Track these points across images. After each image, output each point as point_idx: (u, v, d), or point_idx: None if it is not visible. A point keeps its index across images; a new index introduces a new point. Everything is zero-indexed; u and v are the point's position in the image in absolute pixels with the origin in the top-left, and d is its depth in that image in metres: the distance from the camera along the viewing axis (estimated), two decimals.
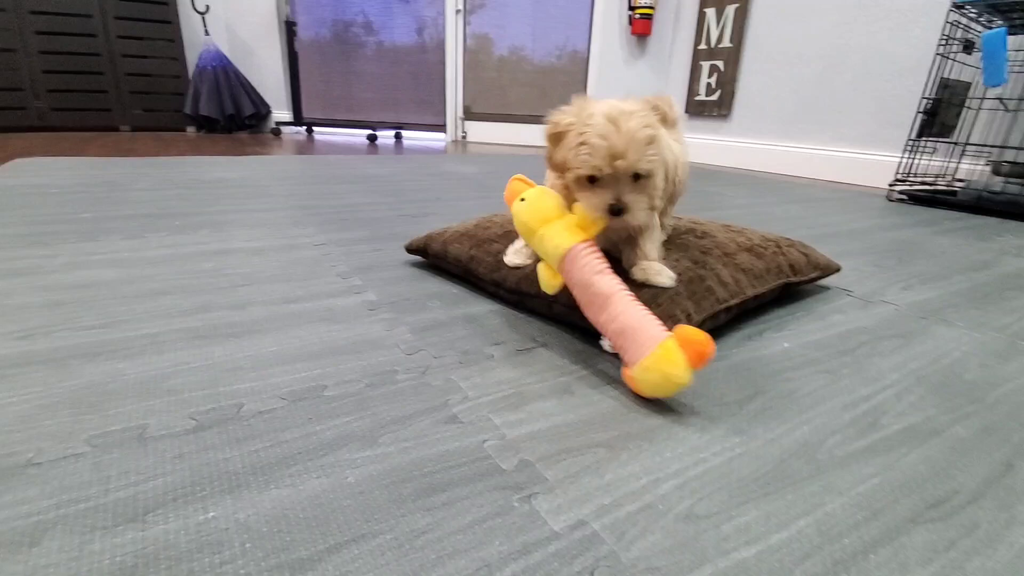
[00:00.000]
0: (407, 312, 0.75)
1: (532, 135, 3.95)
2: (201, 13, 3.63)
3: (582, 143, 0.58)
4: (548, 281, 0.65)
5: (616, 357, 0.61)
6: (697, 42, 3.29)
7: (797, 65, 2.81)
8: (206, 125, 3.74)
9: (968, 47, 1.96)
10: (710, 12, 3.17)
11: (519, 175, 0.70)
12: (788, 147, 2.91)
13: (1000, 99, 1.90)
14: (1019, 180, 1.91)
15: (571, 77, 3.80)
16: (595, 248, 0.62)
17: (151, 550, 0.35)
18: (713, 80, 3.24)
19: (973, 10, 1.86)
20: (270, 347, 0.63)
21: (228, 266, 0.91)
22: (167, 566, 0.34)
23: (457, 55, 3.92)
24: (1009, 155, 1.99)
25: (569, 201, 0.65)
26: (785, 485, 0.44)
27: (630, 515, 0.40)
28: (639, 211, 0.61)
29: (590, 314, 0.61)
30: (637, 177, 0.60)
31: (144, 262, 0.91)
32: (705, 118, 3.37)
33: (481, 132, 4.09)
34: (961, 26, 1.91)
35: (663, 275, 0.68)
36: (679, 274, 0.69)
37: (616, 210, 0.60)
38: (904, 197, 2.06)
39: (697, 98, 3.36)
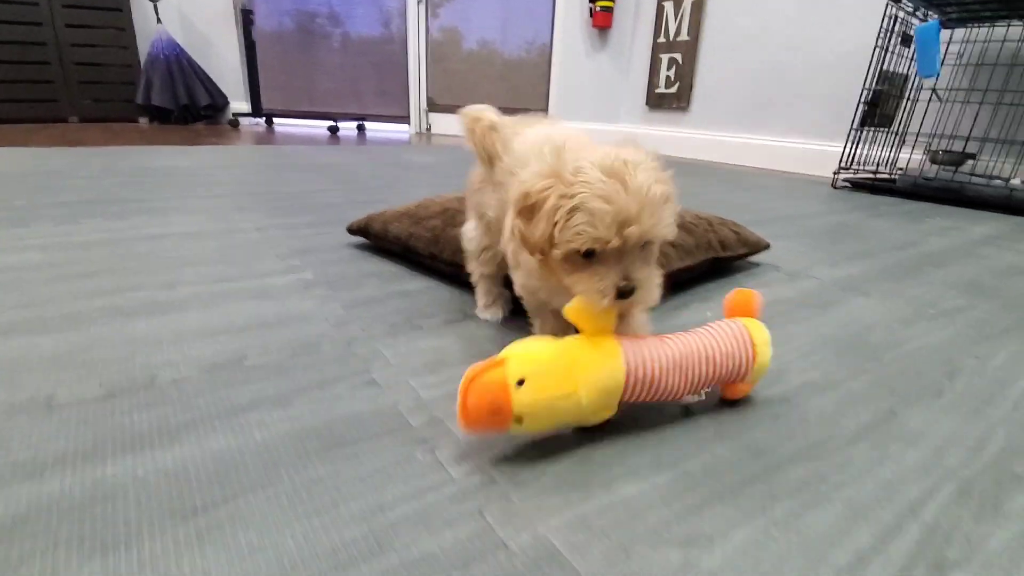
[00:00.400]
0: (342, 289, 0.76)
1: None
2: (153, 1, 3.52)
3: (575, 208, 0.42)
4: (599, 419, 0.45)
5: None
6: (656, 35, 3.34)
7: (751, 58, 2.88)
8: (159, 116, 3.62)
9: (906, 40, 2.05)
10: (668, 5, 3.23)
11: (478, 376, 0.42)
12: (743, 138, 2.99)
13: (933, 90, 2.00)
14: (953, 168, 2.01)
15: (536, 70, 3.82)
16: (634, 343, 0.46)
17: (45, 502, 0.35)
18: (672, 73, 3.31)
19: (909, 4, 1.94)
20: (194, 323, 0.63)
21: (163, 249, 0.89)
22: (58, 516, 0.34)
23: (420, 47, 3.90)
24: (944, 144, 2.08)
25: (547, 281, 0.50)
26: (679, 433, 0.46)
27: (527, 461, 0.42)
28: (653, 289, 0.45)
29: (681, 389, 0.46)
30: (643, 245, 0.44)
31: (75, 247, 0.89)
32: (665, 110, 3.43)
33: (446, 124, 4.07)
34: (899, 20, 1.99)
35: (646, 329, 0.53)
36: None
37: (626, 292, 0.43)
38: (848, 185, 2.15)
39: (657, 91, 3.42)
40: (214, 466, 0.39)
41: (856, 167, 2.13)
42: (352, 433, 0.44)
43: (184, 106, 3.62)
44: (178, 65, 3.59)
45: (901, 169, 2.15)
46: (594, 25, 3.48)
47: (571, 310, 0.45)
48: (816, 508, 0.38)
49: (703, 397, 0.49)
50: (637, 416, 0.48)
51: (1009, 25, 1.90)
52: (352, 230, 0.95)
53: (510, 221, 0.50)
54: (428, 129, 4.09)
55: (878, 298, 0.83)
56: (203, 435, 0.43)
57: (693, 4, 3.08)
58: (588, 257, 0.44)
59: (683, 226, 0.84)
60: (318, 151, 2.50)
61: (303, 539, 0.33)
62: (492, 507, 0.37)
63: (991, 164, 1.98)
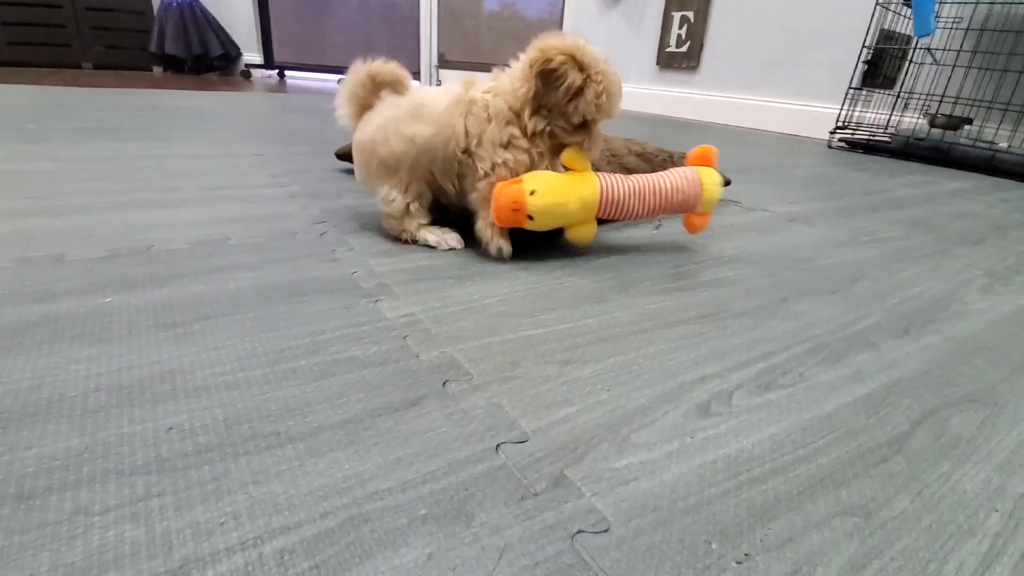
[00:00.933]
0: (323, 199, 0.84)
1: None
2: None
3: (602, 92, 0.59)
4: (587, 234, 0.65)
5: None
6: None
7: (760, 18, 2.84)
8: (172, 65, 3.68)
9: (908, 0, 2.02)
10: None
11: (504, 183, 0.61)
12: (751, 100, 2.97)
13: (928, 50, 1.98)
14: (952, 131, 2.01)
15: (548, 28, 3.78)
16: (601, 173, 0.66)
17: (54, 314, 0.44)
18: (683, 31, 3.26)
19: None
20: (188, 216, 0.71)
21: (165, 165, 0.98)
22: (61, 327, 0.43)
23: (432, 2, 3.87)
24: (945, 108, 2.08)
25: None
26: (591, 302, 0.54)
27: (452, 312, 0.50)
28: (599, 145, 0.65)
29: (646, 209, 0.66)
30: None
31: (84, 160, 0.98)
32: (675, 70, 3.40)
33: (457, 80, 4.07)
34: None
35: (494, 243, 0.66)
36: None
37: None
38: (843, 144, 2.16)
39: (668, 49, 3.39)
40: (194, 302, 0.48)
41: (855, 127, 2.13)
42: (310, 288, 0.52)
43: (197, 56, 3.67)
44: (191, 14, 3.62)
45: (896, 131, 2.15)
46: None
47: (567, 156, 0.63)
48: (683, 351, 0.46)
49: (659, 224, 0.66)
50: (555, 290, 0.56)
51: None
52: (339, 155, 1.02)
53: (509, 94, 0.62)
54: (439, 84, 4.09)
55: (821, 228, 0.89)
56: (186, 283, 0.51)
57: None
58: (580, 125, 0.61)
59: (642, 155, 0.91)
60: (325, 99, 2.56)
61: (257, 344, 0.42)
62: (413, 336, 0.45)
63: (986, 130, 1.98)
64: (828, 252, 0.77)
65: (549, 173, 0.62)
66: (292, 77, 4.11)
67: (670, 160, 0.94)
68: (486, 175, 0.61)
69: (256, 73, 4.03)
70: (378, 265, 0.60)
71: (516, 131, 0.61)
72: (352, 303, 0.50)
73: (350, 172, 1.03)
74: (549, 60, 0.57)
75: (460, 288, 0.55)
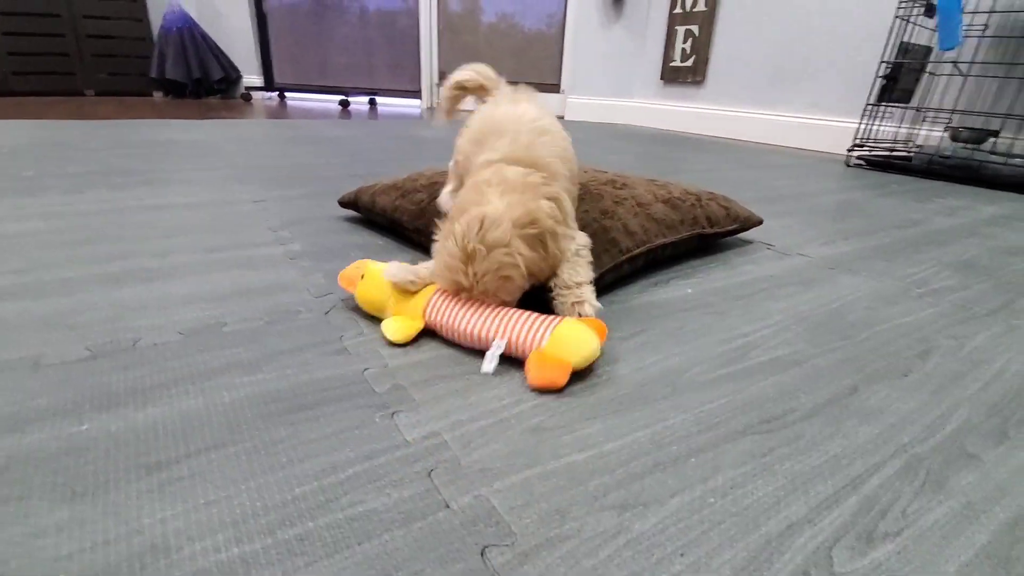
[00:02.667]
0: (327, 261, 0.77)
1: None
2: None
3: (440, 258, 0.55)
4: (404, 331, 0.56)
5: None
6: (672, 6, 3.24)
7: (768, 30, 2.79)
8: (173, 90, 3.65)
9: (930, 10, 1.96)
10: None
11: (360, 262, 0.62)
12: (759, 114, 2.91)
13: (955, 63, 1.92)
14: (976, 147, 1.94)
15: (552, 44, 3.74)
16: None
17: (23, 454, 0.38)
18: (688, 45, 3.21)
19: None
20: (180, 290, 0.65)
21: (160, 219, 0.92)
22: (34, 466, 0.36)
23: (432, 19, 3.84)
24: (968, 121, 2.01)
25: None
26: (637, 405, 0.47)
27: (481, 428, 0.43)
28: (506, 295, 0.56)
29: (475, 337, 0.54)
30: None
31: (76, 215, 0.92)
32: (679, 85, 3.35)
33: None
34: None
35: (586, 305, 0.57)
36: (585, 227, 0.71)
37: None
38: (861, 163, 2.09)
39: (672, 64, 3.33)
40: (181, 424, 0.41)
41: (872, 144, 2.07)
42: (315, 398, 0.46)
43: (197, 80, 3.65)
44: (191, 38, 3.60)
45: (919, 147, 2.08)
46: None
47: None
48: (757, 479, 0.39)
49: (492, 364, 0.50)
50: (594, 386, 0.49)
51: None
52: (343, 203, 0.96)
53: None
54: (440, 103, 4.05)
55: (865, 276, 0.82)
56: (174, 396, 0.45)
57: None
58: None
59: (669, 201, 0.84)
60: (327, 125, 2.51)
61: (256, 493, 0.35)
62: (440, 470, 0.38)
63: (1014, 143, 1.91)
64: (883, 312, 0.70)
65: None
66: (293, 98, 4.08)
67: (698, 203, 0.87)
68: None
69: (257, 96, 4.00)
70: (392, 356, 0.53)
71: None
72: (366, 419, 0.43)
73: (354, 221, 0.97)
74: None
75: (487, 389, 0.48)
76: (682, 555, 0.32)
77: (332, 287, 0.68)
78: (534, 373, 0.48)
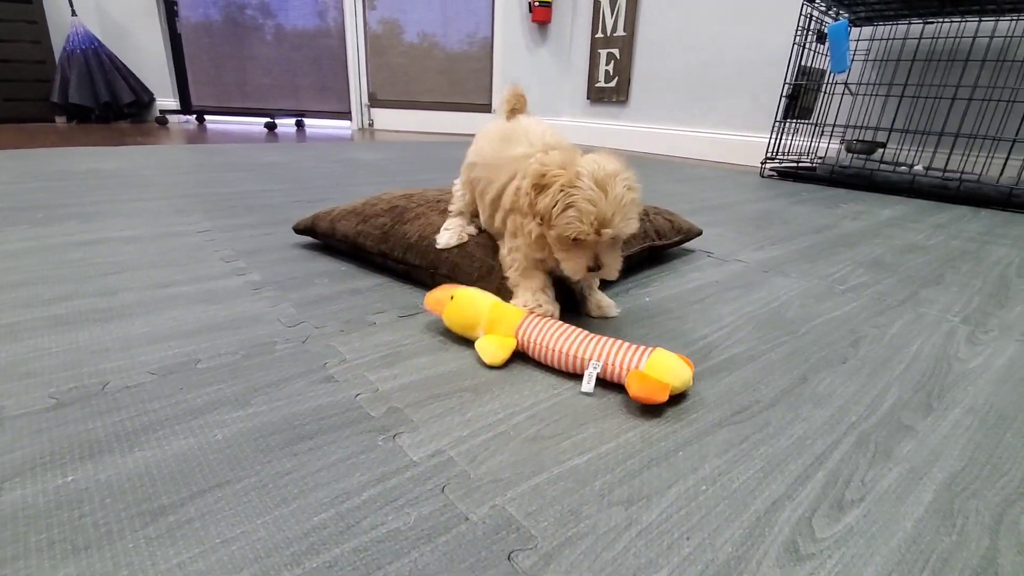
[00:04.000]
0: (292, 290, 0.76)
1: (441, 122, 3.94)
2: None
3: (569, 205, 0.57)
4: (496, 353, 0.57)
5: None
6: (594, 31, 3.42)
7: (684, 53, 3.01)
8: (78, 115, 3.39)
9: (822, 37, 2.20)
10: (604, 1, 3.31)
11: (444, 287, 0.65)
12: (680, 131, 3.12)
13: (845, 84, 2.16)
14: (867, 157, 2.19)
15: (478, 64, 3.82)
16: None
17: (8, 512, 0.35)
18: (611, 67, 3.40)
19: (822, 3, 2.09)
20: (140, 329, 0.62)
21: (98, 255, 0.86)
22: (25, 523, 0.34)
23: (359, 39, 3.82)
24: (859, 135, 2.26)
25: (540, 245, 0.64)
26: (621, 409, 0.51)
27: (484, 442, 0.45)
28: (615, 268, 0.62)
29: (570, 359, 0.55)
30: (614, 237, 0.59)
31: (2, 256, 0.84)
32: (605, 104, 3.52)
33: (389, 119, 4.02)
34: (814, 18, 2.14)
35: (613, 309, 0.71)
36: None
37: (595, 269, 0.60)
38: (774, 174, 2.29)
39: (597, 85, 3.51)
40: (177, 466, 0.40)
41: (781, 157, 2.28)
42: (313, 427, 0.46)
43: (106, 104, 3.41)
44: (97, 60, 3.36)
45: (821, 158, 2.31)
46: (533, 20, 3.52)
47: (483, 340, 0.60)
48: (739, 465, 0.43)
49: (590, 385, 0.53)
50: (578, 396, 0.52)
51: (910, 23, 2.08)
52: (298, 229, 0.95)
53: (512, 196, 0.66)
54: (371, 124, 4.02)
55: (795, 277, 0.91)
56: (163, 438, 0.43)
57: (628, 0, 3.17)
58: (574, 240, 0.59)
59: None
60: (256, 149, 2.43)
61: (274, 527, 0.35)
62: (452, 485, 0.40)
63: (898, 152, 2.17)
64: (815, 308, 0.78)
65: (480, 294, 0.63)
66: (212, 122, 3.90)
67: (646, 218, 0.93)
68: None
69: (173, 119, 3.79)
70: (381, 381, 0.53)
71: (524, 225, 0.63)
72: (369, 444, 0.44)
73: (311, 248, 0.95)
74: (543, 175, 0.60)
75: (480, 404, 0.50)
76: (688, 539, 0.36)
77: (303, 316, 0.67)
78: (637, 387, 0.50)
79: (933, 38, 2.05)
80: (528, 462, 0.42)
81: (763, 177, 2.25)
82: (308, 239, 0.99)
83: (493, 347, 0.57)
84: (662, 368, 0.51)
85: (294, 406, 0.48)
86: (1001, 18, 1.89)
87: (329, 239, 0.90)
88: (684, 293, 0.81)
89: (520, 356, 0.59)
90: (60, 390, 0.49)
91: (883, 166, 2.01)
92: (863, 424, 0.50)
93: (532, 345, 0.57)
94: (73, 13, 3.32)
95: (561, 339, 0.56)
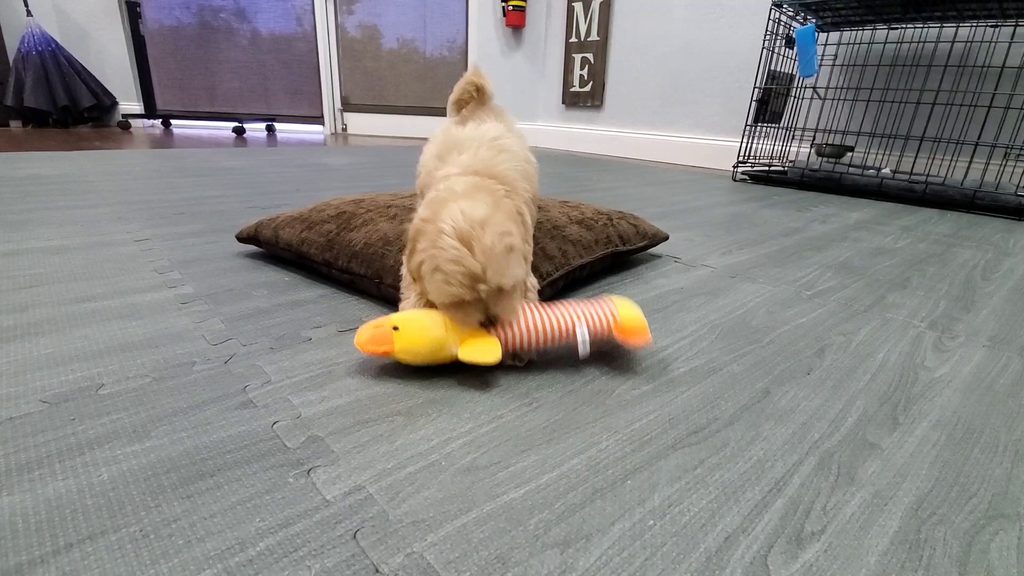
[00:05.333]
0: (225, 303, 0.70)
1: (417, 127, 3.89)
2: None
3: (436, 268, 0.50)
4: (494, 349, 0.52)
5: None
6: (568, 35, 3.41)
7: (657, 58, 3.01)
8: (34, 119, 3.26)
9: (790, 42, 2.21)
10: (578, 6, 3.30)
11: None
12: (653, 135, 3.12)
13: (814, 88, 2.17)
14: (837, 160, 2.20)
15: (455, 68, 3.78)
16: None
17: None
18: (585, 72, 3.39)
19: (790, 9, 2.10)
20: (44, 349, 0.56)
21: (16, 267, 0.79)
22: None
23: (331, 44, 3.75)
24: (828, 139, 2.28)
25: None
26: (570, 431, 0.46)
27: (410, 475, 0.40)
28: (511, 314, 0.53)
29: (559, 332, 0.55)
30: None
31: None
32: (580, 108, 3.51)
33: (363, 124, 3.95)
34: (782, 23, 2.15)
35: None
36: None
37: (488, 323, 0.53)
38: (746, 177, 2.29)
39: (572, 89, 3.50)
40: (47, 514, 0.35)
41: (752, 160, 2.28)
42: (217, 462, 0.40)
43: (64, 107, 3.28)
44: (54, 62, 3.24)
45: (792, 161, 2.32)
46: (508, 24, 3.50)
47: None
48: (691, 494, 0.39)
49: (586, 347, 0.55)
50: (525, 415, 0.48)
51: (876, 29, 2.10)
52: (241, 238, 0.89)
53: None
54: (344, 129, 3.95)
55: (763, 283, 0.89)
56: (37, 479, 0.38)
57: (601, 5, 3.17)
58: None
59: (582, 222, 0.86)
60: (220, 154, 2.34)
61: None
62: (366, 529, 0.35)
63: (867, 156, 2.18)
64: (781, 315, 0.75)
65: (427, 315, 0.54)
66: (179, 126, 3.79)
67: (610, 223, 0.90)
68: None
69: (137, 123, 3.67)
70: (305, 404, 0.48)
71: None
72: (278, 481, 0.39)
73: (256, 257, 0.89)
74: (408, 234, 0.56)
75: (412, 430, 0.45)
76: None
77: (232, 332, 0.62)
78: (637, 336, 0.56)
79: (898, 43, 2.08)
80: (457, 498, 0.38)
81: (735, 181, 2.25)
82: (253, 248, 0.93)
83: (486, 345, 0.52)
84: (633, 314, 0.56)
85: (199, 437, 0.43)
86: (961, 24, 1.92)
87: (272, 247, 0.84)
88: (647, 301, 0.78)
89: (461, 371, 0.55)
90: None
91: (852, 169, 2.01)
92: (826, 443, 0.46)
93: (513, 335, 0.54)
94: (28, 13, 3.19)
95: (537, 321, 0.54)
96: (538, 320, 0.55)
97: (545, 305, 0.57)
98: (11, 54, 3.18)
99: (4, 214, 1.10)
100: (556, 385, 0.54)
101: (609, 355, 0.60)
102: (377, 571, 0.32)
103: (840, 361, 0.62)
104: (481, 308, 0.52)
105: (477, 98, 0.73)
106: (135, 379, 0.51)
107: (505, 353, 0.54)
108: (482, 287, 0.49)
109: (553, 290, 0.74)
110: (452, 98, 0.72)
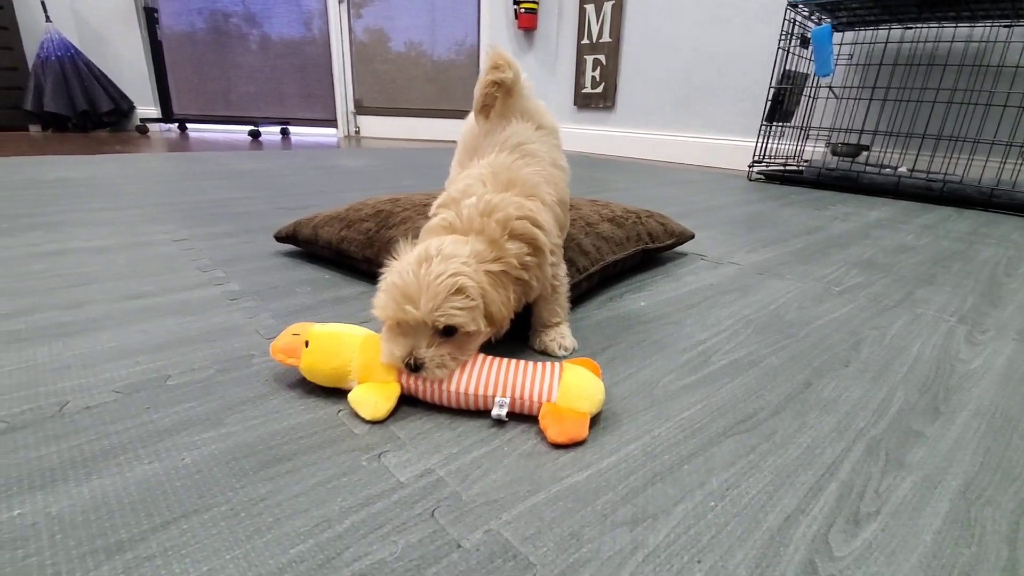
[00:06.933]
0: (272, 299, 0.72)
1: (429, 129, 3.92)
2: None
3: (386, 281, 0.49)
4: (378, 405, 0.47)
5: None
6: (580, 36, 3.43)
7: (669, 59, 3.02)
8: (55, 123, 3.31)
9: (805, 42, 2.22)
10: (590, 8, 3.32)
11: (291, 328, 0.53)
12: (666, 135, 3.13)
13: (830, 88, 2.18)
14: (852, 159, 2.20)
15: (466, 71, 3.81)
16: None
17: None
18: (597, 73, 3.40)
19: (805, 9, 2.11)
20: (106, 343, 0.58)
21: (63, 267, 0.82)
22: None
23: (344, 47, 3.79)
24: (844, 138, 2.28)
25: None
26: (622, 419, 0.48)
27: (475, 459, 0.42)
28: (437, 370, 0.47)
29: (470, 399, 0.48)
30: (448, 331, 0.48)
31: None
32: (592, 110, 3.53)
33: (375, 127, 3.98)
34: (797, 23, 2.15)
35: (557, 349, 0.59)
36: None
37: (411, 367, 0.47)
38: (761, 177, 2.30)
39: (584, 91, 3.51)
40: (139, 495, 0.37)
41: (768, 160, 2.28)
42: (291, 447, 0.42)
43: (83, 112, 3.33)
44: (73, 67, 3.29)
45: (807, 161, 2.33)
46: (520, 27, 3.52)
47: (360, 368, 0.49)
48: (748, 478, 0.41)
49: (502, 413, 0.46)
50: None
51: (891, 28, 2.10)
52: (280, 237, 0.91)
53: None
54: (357, 132, 3.98)
55: (790, 279, 0.90)
56: (124, 463, 0.40)
57: (613, 6, 3.19)
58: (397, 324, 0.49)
59: (613, 219, 0.87)
60: (238, 157, 2.38)
61: (246, 562, 0.32)
62: (443, 508, 0.37)
63: (882, 155, 2.19)
64: (813, 311, 0.76)
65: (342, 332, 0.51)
66: (195, 130, 3.84)
67: (639, 221, 0.91)
68: None
69: (154, 128, 3.72)
70: None
71: None
72: (352, 464, 0.40)
73: (293, 256, 0.92)
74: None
75: (470, 417, 0.47)
76: (699, 562, 0.33)
77: (283, 327, 0.64)
78: (555, 430, 0.44)
79: (913, 43, 2.08)
80: (524, 480, 0.40)
81: (750, 180, 2.26)
82: (290, 247, 0.95)
83: (373, 397, 0.47)
84: (576, 392, 0.46)
85: (271, 424, 0.45)
86: (976, 24, 1.92)
87: (312, 246, 0.86)
88: (680, 297, 0.79)
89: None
90: (11, 412, 0.45)
91: (868, 168, 2.02)
92: (872, 430, 0.48)
93: (421, 387, 0.48)
94: (47, 19, 3.25)
95: (456, 375, 0.48)
96: (460, 378, 0.48)
97: (484, 360, 0.50)
98: (30, 59, 3.24)
99: (41, 215, 1.13)
100: (604, 377, 0.55)
101: (648, 349, 0.62)
102: (459, 546, 0.33)
103: (876, 354, 0.63)
104: (411, 346, 0.47)
105: (502, 97, 0.66)
106: (199, 371, 0.53)
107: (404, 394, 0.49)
108: (411, 311, 0.46)
109: (589, 284, 0.76)
110: (475, 105, 0.65)
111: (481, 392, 0.47)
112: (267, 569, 0.31)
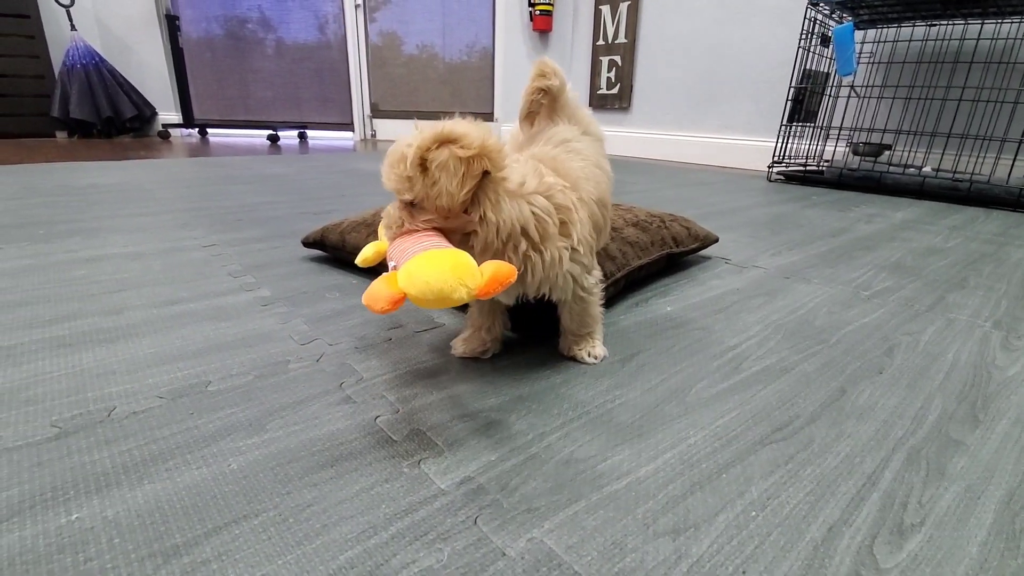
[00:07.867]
0: (303, 305, 0.74)
1: None
2: (65, 6, 3.28)
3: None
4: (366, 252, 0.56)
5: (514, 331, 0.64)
6: (595, 38, 3.42)
7: (686, 59, 3.00)
8: (79, 130, 3.39)
9: (825, 41, 2.19)
10: (605, 9, 3.31)
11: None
12: (683, 136, 3.11)
13: (851, 87, 2.15)
14: (873, 158, 2.17)
15: (479, 73, 3.83)
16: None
17: (5, 557, 0.33)
18: (612, 74, 3.39)
19: (826, 7, 2.08)
20: (147, 349, 0.59)
21: (101, 273, 0.84)
22: (24, 570, 0.32)
23: (360, 52, 3.82)
24: (866, 137, 2.25)
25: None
26: (656, 426, 0.48)
27: (514, 467, 0.42)
28: (386, 231, 0.51)
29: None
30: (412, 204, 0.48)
31: (1, 274, 0.82)
32: (607, 111, 3.52)
33: (391, 130, 4.01)
34: (818, 22, 2.13)
35: (587, 357, 0.59)
36: None
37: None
38: (781, 177, 2.27)
39: (599, 92, 3.50)
40: (191, 500, 0.38)
41: (788, 160, 2.26)
42: (333, 453, 0.43)
43: (107, 118, 3.41)
44: (98, 75, 3.37)
45: (828, 161, 2.30)
46: (534, 28, 3.53)
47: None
48: (788, 487, 0.41)
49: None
50: (610, 411, 0.50)
51: (914, 26, 2.07)
52: (307, 243, 0.92)
53: None
54: (373, 135, 4.02)
55: (818, 283, 0.89)
56: (173, 469, 0.41)
57: (628, 7, 3.17)
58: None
59: (637, 224, 0.87)
60: (259, 161, 2.41)
61: (297, 567, 0.32)
62: (485, 515, 0.37)
63: (905, 154, 2.15)
64: (843, 316, 0.75)
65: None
66: (215, 135, 3.90)
67: (663, 225, 0.91)
68: None
69: (175, 133, 3.79)
70: (401, 401, 0.51)
71: None
72: (393, 471, 0.41)
73: (321, 261, 0.93)
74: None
75: (506, 425, 0.48)
76: (744, 573, 0.33)
77: (316, 332, 0.65)
78: (366, 292, 0.44)
79: (937, 40, 2.04)
80: (563, 488, 0.40)
81: (770, 181, 2.23)
82: (317, 252, 0.97)
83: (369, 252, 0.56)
84: (409, 268, 0.43)
85: (312, 430, 0.46)
86: (1002, 20, 1.88)
87: (339, 252, 0.88)
88: (706, 302, 0.79)
89: (549, 367, 0.57)
90: (63, 417, 0.47)
91: (891, 168, 1.98)
92: (911, 439, 0.47)
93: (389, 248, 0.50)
94: (72, 28, 3.32)
95: (396, 239, 0.49)
96: (389, 248, 0.50)
97: (414, 235, 0.48)
98: (56, 68, 3.32)
99: (78, 222, 1.16)
100: (634, 384, 0.55)
101: (678, 356, 0.62)
102: (504, 554, 0.34)
103: (911, 360, 0.62)
104: (399, 219, 0.48)
105: (548, 104, 0.64)
106: (238, 377, 0.54)
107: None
108: (404, 170, 0.46)
109: (616, 289, 0.76)
110: (520, 112, 0.65)
111: (392, 255, 0.48)
112: (319, 573, 0.32)
